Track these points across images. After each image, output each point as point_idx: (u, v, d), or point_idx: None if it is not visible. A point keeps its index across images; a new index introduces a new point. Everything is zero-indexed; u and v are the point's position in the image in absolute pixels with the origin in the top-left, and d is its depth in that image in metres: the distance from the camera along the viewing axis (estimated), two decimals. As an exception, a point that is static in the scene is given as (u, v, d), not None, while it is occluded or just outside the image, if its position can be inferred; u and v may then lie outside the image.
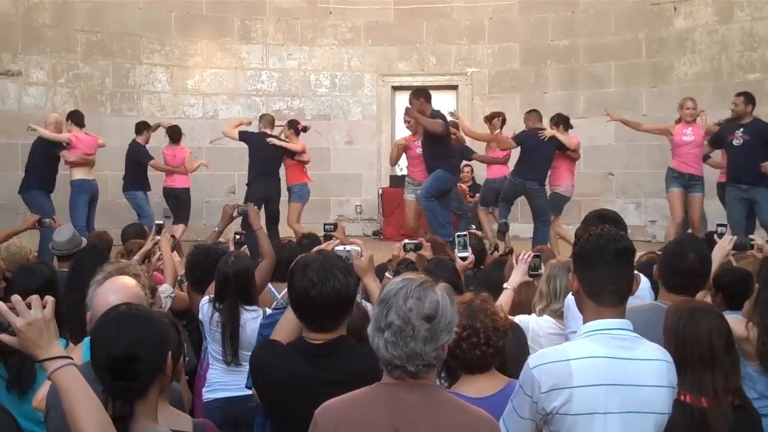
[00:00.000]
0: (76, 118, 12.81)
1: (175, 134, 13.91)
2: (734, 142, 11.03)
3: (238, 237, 6.80)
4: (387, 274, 5.86)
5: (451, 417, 2.79)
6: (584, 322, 3.28)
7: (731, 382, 3.64)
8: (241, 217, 7.80)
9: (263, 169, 12.53)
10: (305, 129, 13.24)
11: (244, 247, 6.79)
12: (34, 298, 2.68)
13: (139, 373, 2.74)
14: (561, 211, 12.45)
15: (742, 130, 10.98)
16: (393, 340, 2.72)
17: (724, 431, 3.49)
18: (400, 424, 2.72)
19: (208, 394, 4.96)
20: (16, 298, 2.67)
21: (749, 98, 11.05)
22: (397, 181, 16.11)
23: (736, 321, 5.04)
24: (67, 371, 2.62)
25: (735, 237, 5.55)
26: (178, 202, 13.73)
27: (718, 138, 11.45)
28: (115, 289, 3.45)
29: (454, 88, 17.32)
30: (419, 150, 11.55)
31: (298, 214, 12.86)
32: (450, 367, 3.97)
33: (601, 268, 3.22)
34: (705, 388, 3.55)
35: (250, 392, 4.35)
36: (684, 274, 4.25)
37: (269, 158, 12.62)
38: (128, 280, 3.64)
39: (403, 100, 17.00)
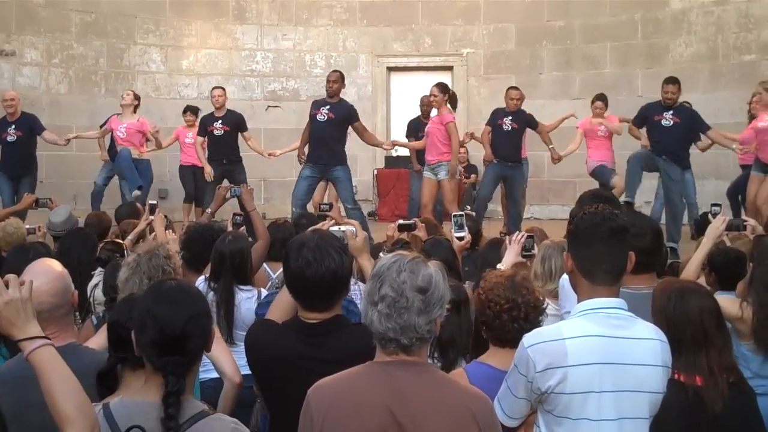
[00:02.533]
0: None
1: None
2: (663, 123, 11.09)
3: (237, 218, 6.79)
4: (381, 254, 5.86)
5: (445, 395, 2.81)
6: (579, 301, 3.28)
7: (725, 359, 3.66)
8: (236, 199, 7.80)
9: None
10: None
11: (242, 228, 6.80)
12: (12, 277, 2.67)
13: (190, 349, 2.79)
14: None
15: (672, 112, 11.06)
16: (387, 312, 2.75)
17: (719, 409, 3.51)
18: (393, 403, 2.74)
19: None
20: None
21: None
22: (392, 162, 16.12)
23: (730, 301, 5.08)
24: (45, 351, 2.61)
25: (728, 218, 5.57)
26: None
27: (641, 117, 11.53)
28: (39, 273, 3.36)
29: (450, 68, 17.25)
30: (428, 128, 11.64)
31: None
32: (442, 348, 4.01)
33: (596, 247, 3.22)
34: (699, 366, 3.56)
35: (244, 373, 4.38)
36: (647, 252, 4.20)
37: None
38: (53, 263, 3.58)
39: (398, 80, 17.08)
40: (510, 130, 11.90)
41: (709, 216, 5.99)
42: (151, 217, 7.16)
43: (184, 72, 16.76)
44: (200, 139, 12.52)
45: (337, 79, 11.41)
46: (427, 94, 12.75)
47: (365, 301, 2.84)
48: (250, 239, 6.18)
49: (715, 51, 15.13)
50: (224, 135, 12.55)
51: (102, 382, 2.90)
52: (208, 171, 12.13)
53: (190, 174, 13.56)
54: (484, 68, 17.11)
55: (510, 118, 11.88)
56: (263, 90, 17.02)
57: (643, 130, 11.45)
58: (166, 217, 7.24)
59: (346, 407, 2.79)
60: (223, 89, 13.04)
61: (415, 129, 13.52)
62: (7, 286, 2.64)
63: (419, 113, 13.86)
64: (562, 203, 14.16)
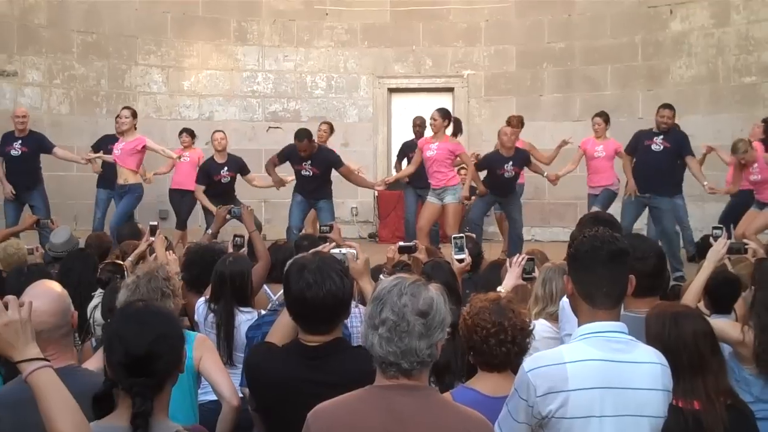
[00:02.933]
0: None
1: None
2: (653, 147, 11.14)
3: (237, 240, 6.78)
4: (382, 276, 5.86)
5: (445, 419, 2.79)
6: (579, 325, 3.27)
7: (721, 383, 3.64)
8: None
9: None
10: None
11: (243, 250, 6.79)
12: (11, 299, 2.67)
13: (158, 370, 2.75)
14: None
15: (662, 137, 11.09)
16: (387, 336, 2.74)
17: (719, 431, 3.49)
18: (392, 427, 2.73)
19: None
20: None
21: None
22: (392, 184, 16.10)
23: (731, 324, 5.08)
24: (44, 373, 2.61)
25: (729, 241, 5.55)
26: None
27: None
28: (39, 293, 3.35)
29: (450, 90, 17.30)
30: (429, 153, 11.57)
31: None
32: (438, 372, 4.00)
33: (596, 271, 3.21)
34: (697, 391, 3.54)
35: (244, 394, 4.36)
36: (650, 275, 4.19)
37: None
38: (53, 285, 3.57)
39: (399, 101, 17.11)
40: (512, 175, 12.05)
41: (711, 239, 5.97)
42: (152, 239, 7.15)
43: (186, 93, 16.79)
44: (201, 187, 12.23)
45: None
46: (420, 115, 12.84)
47: (366, 324, 2.83)
48: (251, 261, 6.18)
49: (716, 73, 15.17)
50: (230, 181, 12.48)
51: (98, 405, 2.89)
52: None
53: (178, 197, 13.46)
54: (485, 90, 17.14)
55: (510, 163, 11.94)
56: (264, 111, 17.05)
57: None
58: (166, 238, 7.24)
59: (346, 431, 2.77)
60: (224, 132, 12.94)
61: (408, 150, 13.48)
62: (6, 307, 2.63)
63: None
64: (563, 225, 14.14)
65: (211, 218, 10.83)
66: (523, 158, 12.07)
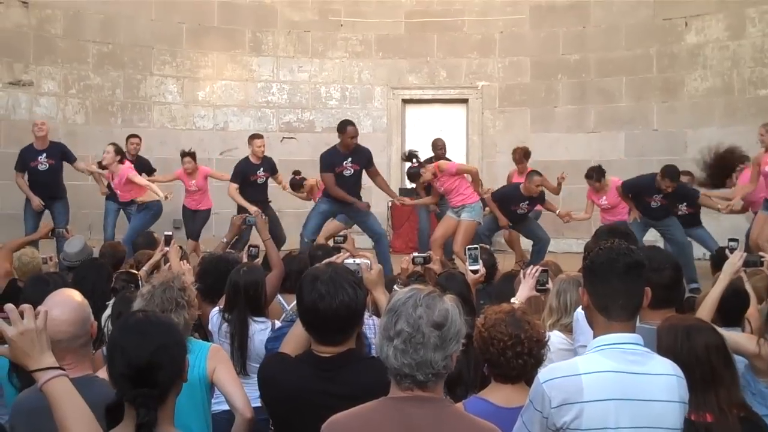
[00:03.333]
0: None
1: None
2: (652, 204, 11.45)
3: (252, 250, 6.77)
4: (396, 287, 5.86)
5: (458, 431, 2.79)
6: (594, 337, 3.27)
7: (734, 395, 3.62)
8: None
9: None
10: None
11: (257, 261, 6.79)
12: (27, 308, 2.68)
13: (160, 380, 2.74)
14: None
15: (661, 195, 11.32)
16: (403, 347, 2.73)
17: None
18: None
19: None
20: (9, 306, 2.68)
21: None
22: (406, 194, 16.09)
23: (747, 337, 5.05)
24: (59, 382, 2.62)
25: (745, 254, 5.53)
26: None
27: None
28: (59, 302, 3.38)
29: (465, 101, 17.34)
30: (441, 189, 11.86)
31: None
32: (450, 383, 3.99)
33: (612, 283, 3.21)
34: (709, 404, 3.52)
35: (255, 405, 4.36)
36: (666, 287, 4.20)
37: None
38: (73, 294, 3.57)
39: (414, 112, 17.13)
40: (525, 212, 12.10)
41: (726, 251, 5.96)
42: (167, 248, 7.17)
43: (200, 103, 16.85)
44: (235, 185, 12.50)
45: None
46: (441, 138, 12.97)
47: (380, 335, 2.82)
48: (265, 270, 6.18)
49: (731, 85, 15.18)
50: (265, 182, 12.86)
51: (110, 416, 2.89)
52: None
53: (190, 213, 13.52)
54: (499, 101, 17.16)
55: (526, 203, 11.95)
56: (278, 121, 17.10)
57: None
58: (181, 248, 7.25)
59: None
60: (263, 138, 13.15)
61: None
62: (22, 316, 2.63)
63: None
64: (577, 237, 14.10)
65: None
66: (539, 199, 12.05)
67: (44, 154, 12.27)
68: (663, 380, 3.16)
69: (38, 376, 2.63)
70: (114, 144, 12.50)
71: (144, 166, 13.62)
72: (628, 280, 3.21)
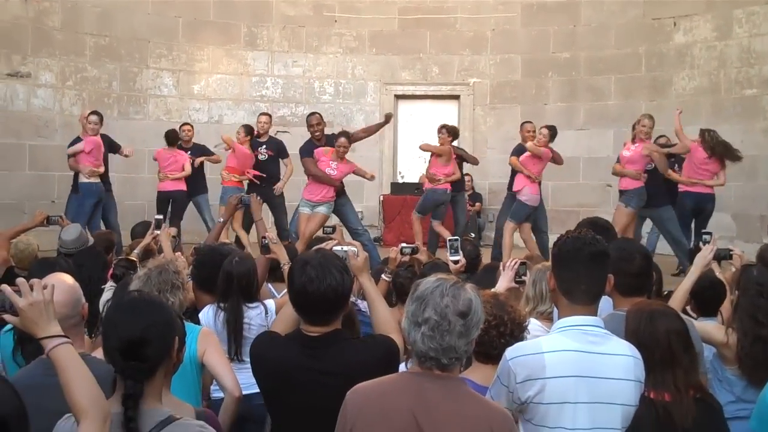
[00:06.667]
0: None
1: (172, 137, 13.75)
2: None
3: (265, 241, 6.81)
4: (384, 276, 6.09)
5: (468, 407, 3.01)
6: (558, 318, 3.50)
7: (691, 377, 3.78)
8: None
9: None
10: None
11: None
12: (36, 281, 2.90)
13: (148, 355, 2.96)
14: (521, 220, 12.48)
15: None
16: (430, 334, 2.95)
17: (688, 423, 3.66)
18: (418, 410, 2.94)
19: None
20: (20, 280, 2.90)
21: None
22: (397, 188, 16.31)
23: (716, 327, 5.27)
24: (64, 349, 2.83)
25: (716, 247, 5.71)
26: (177, 205, 13.63)
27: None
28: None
29: (456, 97, 17.54)
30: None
31: None
32: None
33: (576, 269, 3.45)
34: (667, 384, 3.70)
35: (254, 390, 4.57)
36: (636, 275, 4.41)
37: None
38: (66, 277, 3.79)
39: (406, 108, 17.27)
40: None
41: (700, 244, 6.12)
42: (157, 232, 7.32)
43: (195, 96, 17.01)
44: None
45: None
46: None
47: (408, 321, 3.02)
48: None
49: (718, 85, 15.36)
50: (269, 159, 13.20)
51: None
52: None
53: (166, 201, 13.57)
54: (490, 98, 17.37)
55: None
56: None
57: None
58: (175, 237, 7.39)
59: (376, 410, 3.00)
60: (269, 115, 13.67)
61: None
62: (31, 289, 2.87)
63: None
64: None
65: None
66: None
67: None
68: (620, 360, 3.38)
69: (45, 343, 2.84)
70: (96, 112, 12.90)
71: (202, 152, 14.16)
72: (592, 267, 3.45)
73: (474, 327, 3.00)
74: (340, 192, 12.03)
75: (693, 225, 11.87)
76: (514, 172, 12.46)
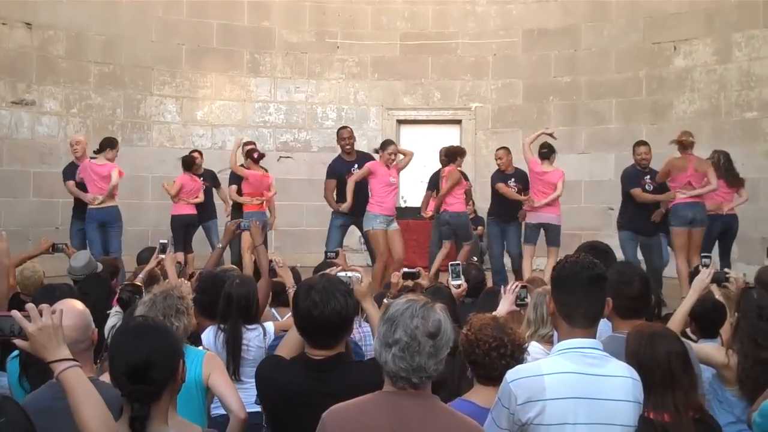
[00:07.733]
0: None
1: (189, 162, 13.62)
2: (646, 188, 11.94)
3: (273, 263, 6.82)
4: (385, 300, 6.14)
5: (444, 423, 3.08)
6: (558, 341, 3.56)
7: (691, 398, 3.84)
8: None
9: None
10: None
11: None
12: (45, 307, 2.98)
13: (154, 379, 3.03)
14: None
15: (649, 176, 12.01)
16: (401, 355, 3.02)
17: None
18: (398, 427, 3.01)
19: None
20: (29, 306, 2.98)
21: None
22: (400, 213, 16.31)
23: (717, 349, 5.33)
24: (73, 372, 2.91)
25: (714, 271, 5.77)
26: (190, 230, 13.57)
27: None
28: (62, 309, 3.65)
29: (458, 122, 17.59)
30: None
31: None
32: (435, 387, 4.27)
33: (575, 293, 3.51)
34: (667, 405, 3.76)
35: (254, 409, 4.63)
36: (635, 298, 4.48)
37: None
38: (76, 303, 3.86)
39: (408, 132, 17.34)
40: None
41: (700, 267, 6.18)
42: (162, 256, 7.35)
43: (199, 122, 17.07)
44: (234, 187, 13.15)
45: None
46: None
47: (379, 342, 3.09)
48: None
49: (718, 108, 15.41)
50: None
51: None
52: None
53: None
54: (492, 122, 17.42)
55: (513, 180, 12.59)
56: (275, 141, 17.32)
57: None
58: (179, 263, 7.42)
59: (358, 429, 3.05)
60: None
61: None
62: (41, 314, 2.93)
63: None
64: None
65: None
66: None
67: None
68: (619, 381, 3.43)
69: (55, 366, 2.91)
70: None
71: (212, 177, 14.20)
72: (590, 291, 3.51)
73: (443, 347, 3.05)
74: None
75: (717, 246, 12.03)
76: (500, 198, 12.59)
